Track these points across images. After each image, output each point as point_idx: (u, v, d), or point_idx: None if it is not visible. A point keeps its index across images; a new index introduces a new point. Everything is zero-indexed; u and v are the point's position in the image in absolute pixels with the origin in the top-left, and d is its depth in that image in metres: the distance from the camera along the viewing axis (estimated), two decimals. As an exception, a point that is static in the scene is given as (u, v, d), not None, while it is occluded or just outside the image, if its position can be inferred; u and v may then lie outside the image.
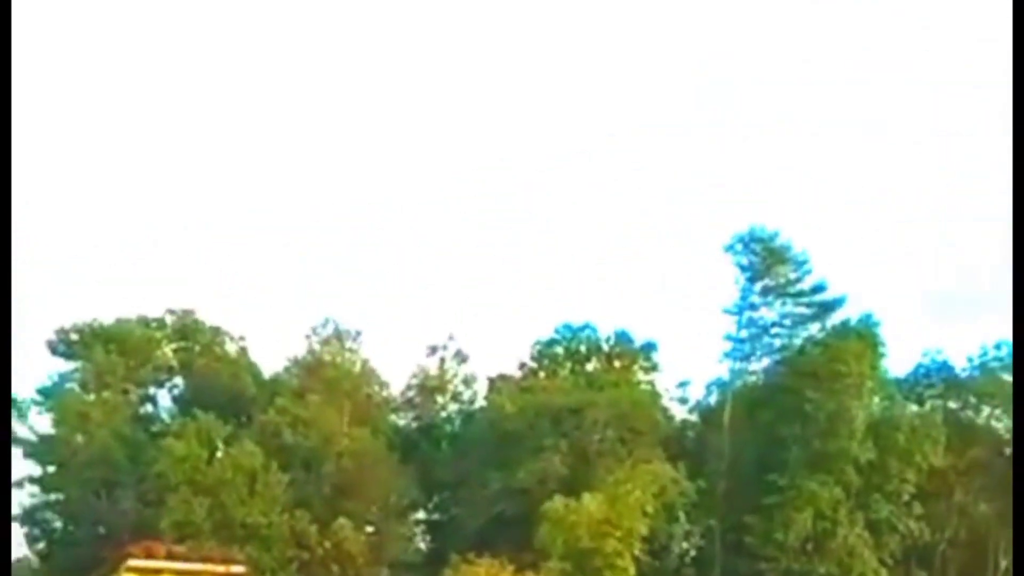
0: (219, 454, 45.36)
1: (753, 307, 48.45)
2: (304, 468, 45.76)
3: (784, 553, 41.81)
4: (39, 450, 52.69)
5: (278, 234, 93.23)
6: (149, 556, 26.41)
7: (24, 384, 51.93)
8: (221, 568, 25.92)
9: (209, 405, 49.08)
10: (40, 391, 53.98)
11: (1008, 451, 49.07)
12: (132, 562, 24.06)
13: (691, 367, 68.68)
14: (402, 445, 49.91)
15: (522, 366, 53.37)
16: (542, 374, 52.57)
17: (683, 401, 52.58)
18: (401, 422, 54.87)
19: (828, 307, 48.06)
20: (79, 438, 50.67)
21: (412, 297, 78.78)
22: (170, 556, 26.31)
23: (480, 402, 54.03)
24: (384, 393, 55.39)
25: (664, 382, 53.14)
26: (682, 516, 42.30)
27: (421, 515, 51.18)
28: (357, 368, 53.92)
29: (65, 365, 55.02)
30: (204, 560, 26.13)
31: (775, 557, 41.74)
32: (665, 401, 51.88)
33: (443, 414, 54.87)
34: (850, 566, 42.14)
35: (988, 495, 46.05)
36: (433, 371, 55.12)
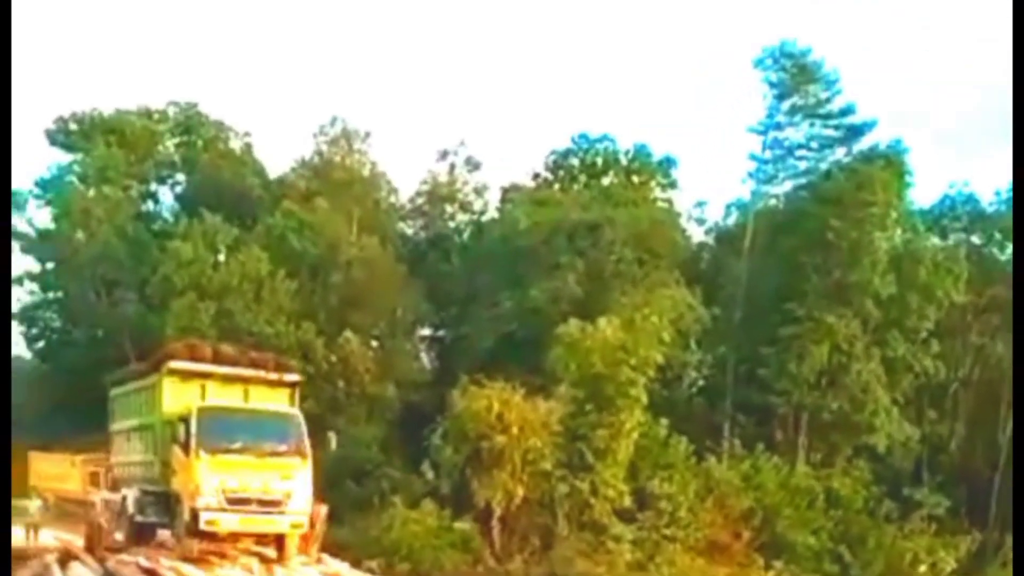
0: (222, 258, 44.37)
1: (779, 127, 46.21)
2: (311, 276, 44.73)
3: (797, 387, 40.94)
4: (38, 246, 51.55)
5: (285, 25, 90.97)
6: (193, 357, 24.31)
7: (22, 175, 50.74)
8: (274, 376, 24.30)
9: (213, 205, 47.63)
10: (39, 183, 52.47)
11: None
12: (174, 363, 22.37)
13: (711, 187, 67.87)
14: (410, 256, 48.79)
15: (535, 176, 51.78)
16: (556, 186, 51.03)
17: (701, 222, 51.53)
18: (409, 231, 53.57)
19: (857, 131, 45.89)
20: (80, 235, 49.40)
21: (423, 99, 77.28)
22: (217, 358, 24.27)
23: (492, 213, 52.77)
24: (393, 199, 54.01)
25: (682, 201, 51.95)
26: (694, 344, 41.21)
27: (428, 331, 50.04)
28: (366, 171, 52.47)
29: (64, 157, 53.56)
30: (254, 365, 24.25)
31: (788, 391, 40.93)
32: (683, 222, 50.59)
33: (452, 224, 53.41)
34: (863, 403, 41.30)
35: (1006, 335, 45.10)
36: (443, 178, 53.68)
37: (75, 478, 43.21)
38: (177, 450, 22.72)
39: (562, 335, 35.47)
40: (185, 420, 22.46)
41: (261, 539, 23.12)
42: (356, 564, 26.52)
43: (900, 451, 42.41)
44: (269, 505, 22.23)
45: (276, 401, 24.29)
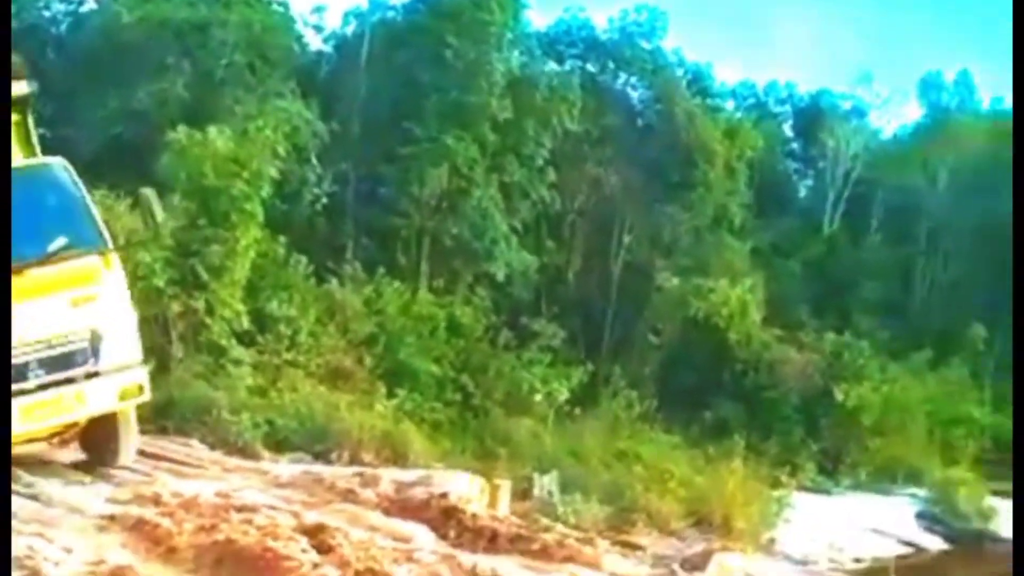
0: None
1: (391, -65, 44.88)
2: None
3: (418, 209, 40.45)
4: None
5: None
6: None
7: None
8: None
9: None
10: None
11: (640, 122, 49.76)
12: None
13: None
14: None
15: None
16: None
17: (319, 29, 49.05)
18: (-2, 20, 48.74)
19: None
20: None
21: None
22: None
23: (91, 4, 48.65)
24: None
25: (299, 5, 49.68)
26: (315, 160, 39.73)
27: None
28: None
29: None
30: None
31: (409, 213, 40.37)
32: (299, 27, 48.04)
33: (47, 14, 48.59)
34: (483, 229, 41.22)
35: (619, 167, 46.13)
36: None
37: None
38: None
39: (171, 142, 33.05)
40: None
41: (62, 437, 15.27)
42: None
43: (519, 280, 42.88)
44: (63, 366, 13.60)
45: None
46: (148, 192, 15.21)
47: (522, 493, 20.76)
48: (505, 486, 14.96)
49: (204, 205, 32.41)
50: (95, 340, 13.72)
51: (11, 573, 9.75)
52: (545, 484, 27.71)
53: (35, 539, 9.41)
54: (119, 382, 14.03)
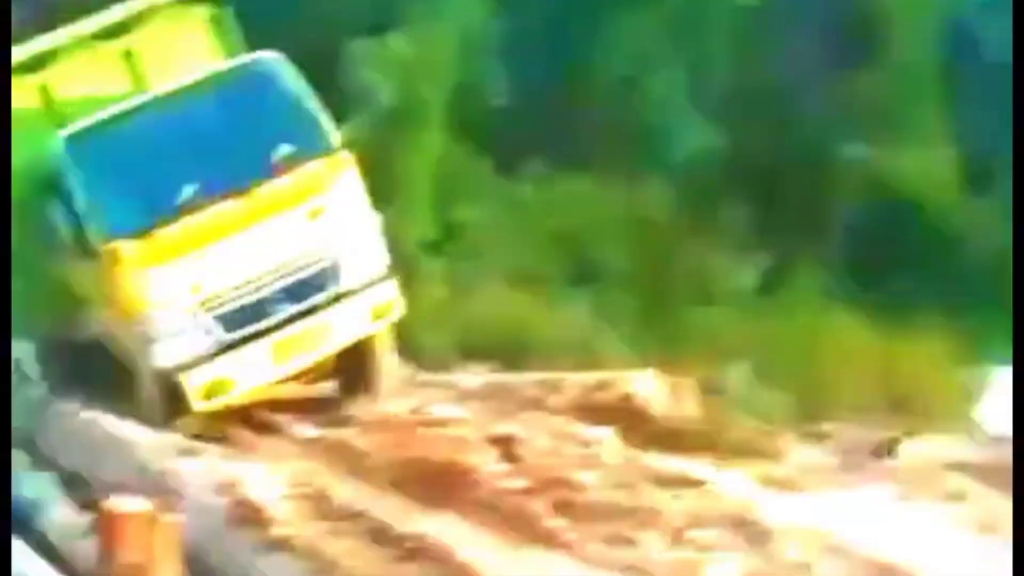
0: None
1: None
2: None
3: (599, 97, 40.30)
4: None
5: None
6: None
7: None
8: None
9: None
10: None
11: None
12: None
13: None
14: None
15: None
16: None
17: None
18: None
19: None
20: None
21: None
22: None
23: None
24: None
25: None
26: (495, 58, 40.01)
27: None
28: None
29: None
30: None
31: (589, 101, 40.31)
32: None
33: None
34: (666, 111, 40.96)
35: (805, 37, 44.53)
36: None
37: None
38: (63, 260, 12.64)
39: (352, 52, 33.69)
40: (49, 189, 12.24)
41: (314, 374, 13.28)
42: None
43: (703, 164, 42.08)
44: (307, 293, 12.10)
45: (201, 50, 13.32)
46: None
47: (709, 387, 20.87)
48: (691, 384, 15.22)
49: (386, 114, 33.09)
50: (336, 256, 12.11)
51: (11, 573, 10.41)
52: (733, 377, 27.56)
53: (239, 465, 9.93)
54: (370, 301, 12.34)
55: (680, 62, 42.31)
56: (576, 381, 14.04)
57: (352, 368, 13.15)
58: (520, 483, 9.80)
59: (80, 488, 10.54)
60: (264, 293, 11.92)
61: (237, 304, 11.88)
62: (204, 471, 9.76)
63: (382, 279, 12.57)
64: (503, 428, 11.43)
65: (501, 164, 37.07)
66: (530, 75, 42.94)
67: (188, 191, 12.19)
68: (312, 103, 12.65)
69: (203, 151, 12.31)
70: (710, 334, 32.25)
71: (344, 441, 11.58)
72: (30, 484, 11.35)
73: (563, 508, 9.20)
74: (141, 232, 11.97)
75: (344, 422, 12.44)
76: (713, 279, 36.70)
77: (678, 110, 41.61)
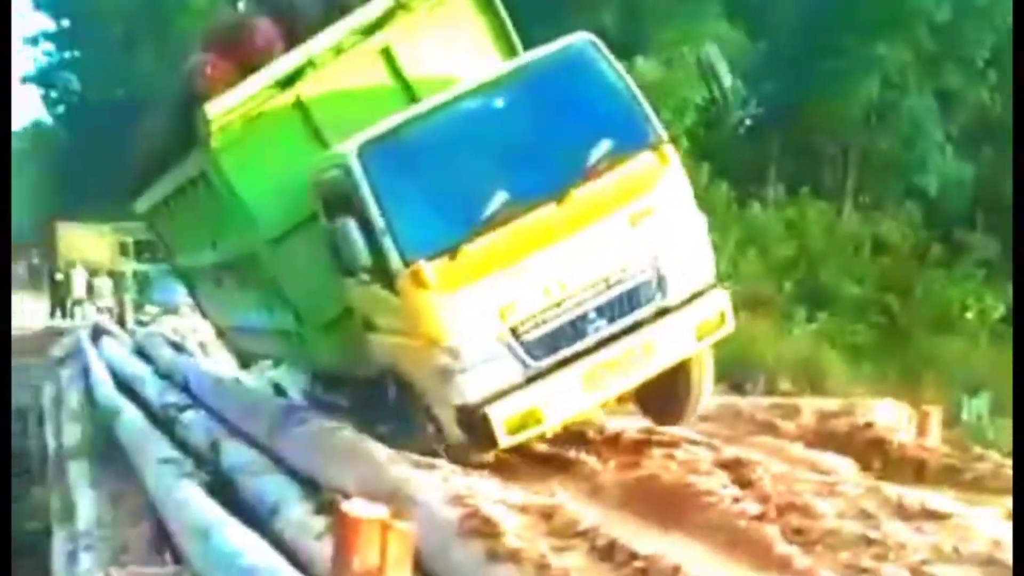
0: (241, 6, 42.63)
1: None
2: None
3: (846, 125, 39.65)
4: (51, 1, 49.91)
5: None
6: (237, 56, 19.12)
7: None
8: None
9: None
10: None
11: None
12: (216, 104, 12.17)
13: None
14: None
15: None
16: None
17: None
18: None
19: None
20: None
21: None
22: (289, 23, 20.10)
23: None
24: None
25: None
26: (739, 82, 39.60)
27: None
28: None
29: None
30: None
31: (835, 129, 39.68)
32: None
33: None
34: (915, 140, 40.01)
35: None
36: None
37: (104, 249, 42.74)
38: (351, 284, 11.43)
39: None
40: (334, 207, 11.10)
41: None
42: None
43: (953, 192, 41.25)
44: (627, 309, 10.78)
45: (469, 39, 12.32)
46: (712, 50, 12.73)
47: (949, 419, 20.17)
48: (935, 413, 14.63)
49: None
50: (661, 265, 10.75)
51: (11, 572, 10.56)
52: (974, 407, 26.58)
53: (473, 479, 9.98)
54: (695, 316, 11.02)
55: (929, 90, 41.40)
56: (812, 407, 13.65)
57: (662, 392, 11.76)
58: (753, 508, 9.54)
59: (316, 493, 10.75)
60: (579, 312, 10.59)
61: (550, 327, 10.57)
62: (437, 482, 9.83)
63: (710, 289, 11.16)
64: (735, 452, 11.20)
65: (740, 187, 36.97)
66: (774, 100, 42.79)
67: (498, 200, 10.66)
68: (632, 89, 11.18)
69: (512, 154, 10.98)
70: (950, 363, 31.41)
71: (576, 459, 11.48)
72: (271, 486, 11.72)
73: (798, 535, 8.94)
74: (446, 250, 10.47)
75: (577, 440, 12.28)
76: (955, 308, 35.79)
77: (929, 138, 40.64)
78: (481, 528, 8.73)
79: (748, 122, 40.15)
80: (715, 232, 32.97)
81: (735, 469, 10.58)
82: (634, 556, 8.15)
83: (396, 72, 12.20)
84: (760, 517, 9.24)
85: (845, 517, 9.18)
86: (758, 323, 28.49)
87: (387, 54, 12.19)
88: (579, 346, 10.79)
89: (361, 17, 12.03)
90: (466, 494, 9.38)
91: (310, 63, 11.92)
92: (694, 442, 11.62)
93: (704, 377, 11.91)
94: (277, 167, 11.83)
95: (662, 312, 10.93)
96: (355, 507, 7.53)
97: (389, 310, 11.04)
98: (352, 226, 10.66)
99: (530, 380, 10.71)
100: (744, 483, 10.23)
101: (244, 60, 11.78)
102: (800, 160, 40.96)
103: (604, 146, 10.89)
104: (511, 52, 12.50)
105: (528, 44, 12.41)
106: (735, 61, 40.21)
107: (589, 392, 10.90)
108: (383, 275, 10.80)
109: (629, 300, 10.80)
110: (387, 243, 10.55)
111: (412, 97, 12.02)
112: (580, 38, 11.34)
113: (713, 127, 38.24)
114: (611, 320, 10.81)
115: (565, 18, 42.35)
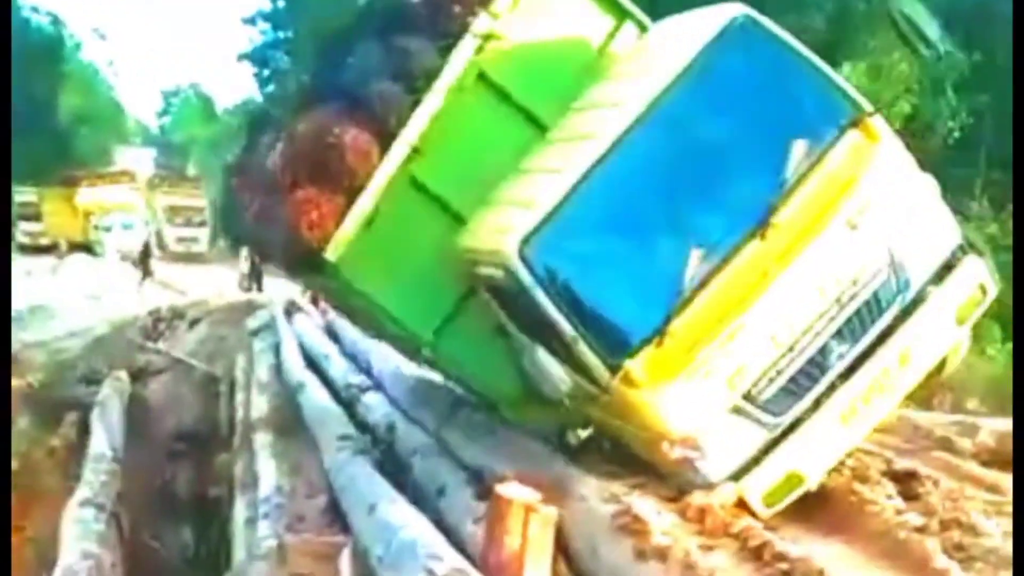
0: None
1: None
2: None
3: (1058, 142, 38.18)
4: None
5: None
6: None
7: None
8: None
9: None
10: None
11: None
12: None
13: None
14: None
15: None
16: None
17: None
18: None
19: None
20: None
21: None
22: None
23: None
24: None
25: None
26: (951, 92, 38.57)
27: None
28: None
29: None
30: None
31: (1048, 146, 38.25)
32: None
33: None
34: None
35: None
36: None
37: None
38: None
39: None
40: (502, 301, 9.71)
41: None
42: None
43: None
44: (869, 322, 9.28)
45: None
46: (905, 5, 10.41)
47: None
48: None
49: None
50: (894, 254, 9.14)
51: (11, 572, 10.62)
52: None
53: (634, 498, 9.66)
54: (950, 298, 9.48)
55: None
56: (991, 426, 13.20)
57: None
58: (916, 519, 9.39)
59: (481, 480, 10.99)
60: (816, 346, 9.02)
61: (787, 376, 9.04)
62: (596, 479, 9.95)
63: (958, 258, 9.55)
64: (906, 464, 11.00)
65: (945, 199, 35.61)
66: (986, 112, 41.40)
67: (693, 261, 8.75)
68: (812, 62, 9.18)
69: (693, 192, 8.89)
70: None
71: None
72: (441, 468, 12.04)
73: (959, 551, 8.82)
74: (651, 337, 8.76)
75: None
76: None
77: None
78: (631, 525, 8.76)
79: (957, 134, 38.92)
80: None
81: (903, 481, 10.30)
82: (781, 557, 8.13)
83: (504, 97, 10.33)
84: (922, 529, 9.10)
85: (1010, 537, 8.94)
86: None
87: (485, 80, 10.29)
88: (825, 383, 9.23)
89: (449, 79, 10.27)
90: (621, 492, 9.43)
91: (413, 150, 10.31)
92: (867, 452, 11.37)
93: (958, 359, 10.30)
94: (410, 260, 10.37)
95: (911, 308, 9.30)
96: (508, 489, 7.74)
97: (603, 406, 9.48)
98: (540, 355, 9.12)
99: (780, 439, 9.30)
100: (910, 496, 9.98)
101: (342, 186, 10.23)
102: (1010, 174, 39.55)
103: (800, 150, 8.82)
104: (621, 14, 10.41)
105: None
106: (948, 73, 39.78)
107: (850, 430, 9.50)
108: (586, 382, 9.19)
109: (869, 312, 9.14)
110: (584, 352, 8.87)
111: (530, 117, 10.29)
112: (734, 12, 9.15)
113: (920, 137, 37.29)
114: (855, 341, 9.17)
115: (774, 18, 41.99)
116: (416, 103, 10.14)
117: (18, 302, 30.69)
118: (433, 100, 10.16)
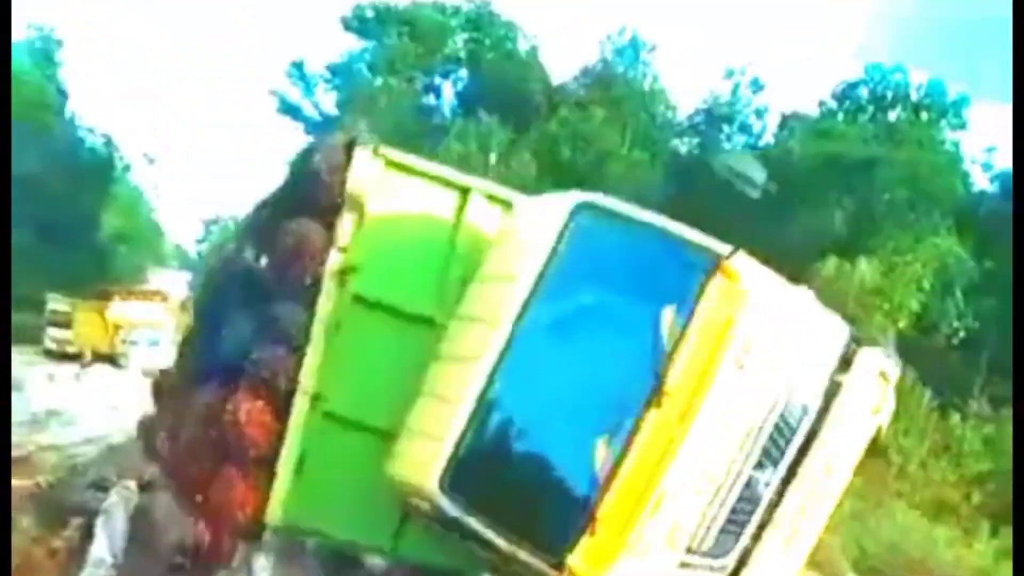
0: (493, 159, 44.98)
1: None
2: (576, 187, 44.60)
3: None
4: (321, 129, 53.84)
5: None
6: None
7: (315, 59, 53.28)
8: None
9: (491, 105, 48.45)
10: (329, 67, 54.75)
11: None
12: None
13: (1002, 131, 64.31)
14: (678, 174, 48.05)
15: (821, 104, 50.48)
16: (840, 116, 49.72)
17: (987, 168, 48.94)
18: (683, 148, 53.21)
19: None
20: (362, 124, 51.17)
21: (714, 16, 76.15)
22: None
23: (768, 139, 51.75)
24: (669, 115, 53.71)
25: (970, 144, 49.72)
26: (959, 295, 39.68)
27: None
28: (647, 85, 52.41)
29: (356, 44, 55.41)
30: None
31: (1048, 358, 39.13)
32: (967, 166, 48.40)
33: (727, 145, 52.58)
34: None
35: None
36: (725, 97, 53.00)
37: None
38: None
39: (820, 271, 34.68)
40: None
41: None
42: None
43: None
44: (784, 440, 9.40)
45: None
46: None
47: None
48: None
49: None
50: (788, 379, 9.10)
51: (10, 569, 10.58)
52: None
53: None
54: (857, 399, 9.67)
55: None
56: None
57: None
58: None
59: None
60: (741, 484, 9.08)
61: (722, 519, 9.08)
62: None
63: (853, 351, 9.45)
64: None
65: (942, 396, 36.53)
66: (991, 317, 42.28)
67: (600, 452, 8.77)
68: (656, 226, 8.71)
69: (585, 385, 8.88)
70: None
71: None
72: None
73: None
74: (582, 530, 8.71)
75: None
76: None
77: None
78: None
79: (962, 334, 39.91)
80: (911, 436, 33.06)
81: None
82: None
83: (385, 308, 10.28)
84: None
85: None
86: (939, 529, 28.15)
87: (362, 302, 10.24)
88: (759, 511, 9.23)
89: (325, 322, 10.31)
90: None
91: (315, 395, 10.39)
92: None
93: (887, 419, 10.30)
94: (349, 484, 10.32)
95: (820, 418, 9.32)
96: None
97: None
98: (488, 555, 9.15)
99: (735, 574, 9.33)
100: None
101: (249, 458, 10.31)
102: (1008, 380, 40.24)
103: (668, 317, 8.57)
104: (460, 188, 10.56)
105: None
106: (957, 276, 40.76)
107: (792, 549, 9.45)
108: None
109: (781, 434, 9.13)
110: (527, 558, 8.82)
111: (415, 316, 10.24)
112: (571, 205, 8.96)
113: (925, 333, 38.30)
114: (775, 465, 9.19)
115: (799, 213, 43.34)
116: (301, 357, 10.19)
117: (37, 405, 31.50)
118: (317, 345, 10.24)
